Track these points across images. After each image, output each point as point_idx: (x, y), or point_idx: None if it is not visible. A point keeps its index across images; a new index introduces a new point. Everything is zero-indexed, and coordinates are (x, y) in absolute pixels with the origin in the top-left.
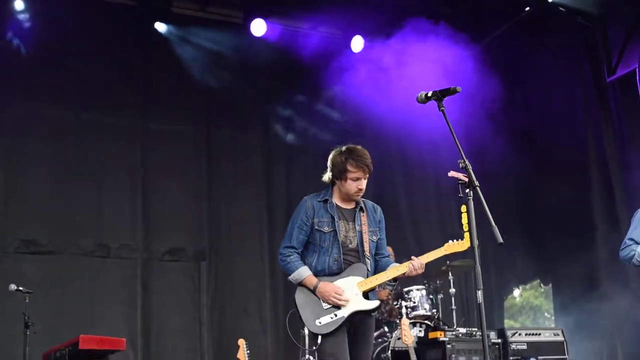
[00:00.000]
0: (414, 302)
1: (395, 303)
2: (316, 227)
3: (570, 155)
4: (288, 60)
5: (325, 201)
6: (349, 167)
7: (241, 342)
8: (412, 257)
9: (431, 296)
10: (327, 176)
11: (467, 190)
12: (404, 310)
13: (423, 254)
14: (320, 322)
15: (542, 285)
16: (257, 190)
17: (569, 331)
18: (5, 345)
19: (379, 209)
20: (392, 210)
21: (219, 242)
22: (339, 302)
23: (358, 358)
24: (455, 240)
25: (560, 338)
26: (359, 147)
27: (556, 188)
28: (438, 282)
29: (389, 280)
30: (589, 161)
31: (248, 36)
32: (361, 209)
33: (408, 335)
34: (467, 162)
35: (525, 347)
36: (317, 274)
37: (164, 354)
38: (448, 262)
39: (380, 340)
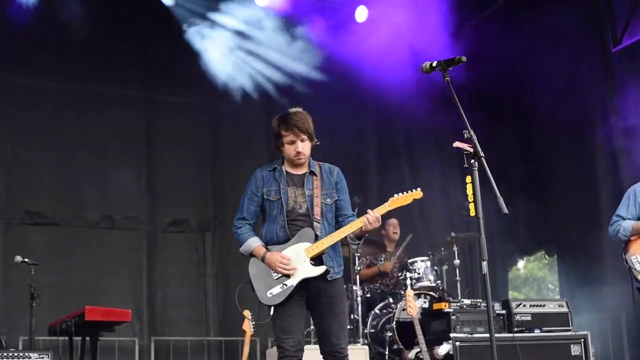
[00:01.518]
0: (419, 274)
1: (399, 274)
2: (265, 197)
3: (575, 127)
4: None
5: (274, 170)
6: (282, 132)
7: (246, 313)
8: (368, 210)
9: (436, 267)
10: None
11: (472, 161)
12: (408, 282)
13: (427, 226)
14: (271, 293)
15: (546, 256)
16: (261, 160)
17: (573, 303)
18: (12, 316)
19: (335, 169)
20: (395, 181)
21: (223, 213)
22: (285, 271)
23: (324, 330)
24: (402, 193)
25: (564, 309)
26: (294, 109)
27: (561, 160)
28: (442, 253)
29: (352, 239)
30: (594, 133)
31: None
32: (312, 173)
33: (413, 306)
34: (472, 132)
35: (529, 318)
36: (267, 243)
37: (169, 325)
38: (453, 233)
39: (385, 311)
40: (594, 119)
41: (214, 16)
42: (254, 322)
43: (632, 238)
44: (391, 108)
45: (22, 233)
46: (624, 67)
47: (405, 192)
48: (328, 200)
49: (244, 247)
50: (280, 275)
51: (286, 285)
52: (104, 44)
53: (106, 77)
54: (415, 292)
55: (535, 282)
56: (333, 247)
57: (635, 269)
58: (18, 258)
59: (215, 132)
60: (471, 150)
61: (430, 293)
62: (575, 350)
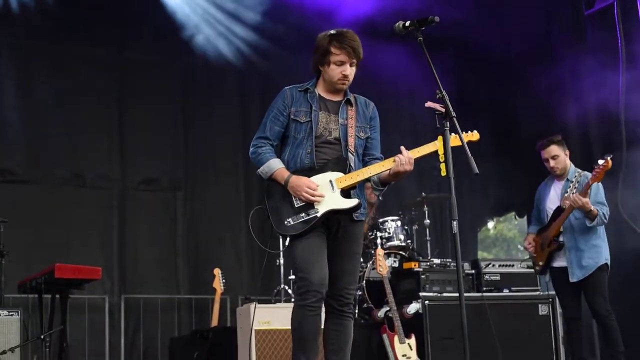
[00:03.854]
0: (389, 233)
1: (370, 234)
2: (292, 117)
3: (546, 89)
4: None
5: (306, 90)
6: (332, 49)
7: (217, 272)
8: (402, 147)
9: (406, 227)
10: (312, 64)
11: (444, 121)
12: (378, 241)
13: (398, 186)
14: (289, 222)
15: (517, 217)
16: (232, 120)
17: None
18: None
19: (371, 104)
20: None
21: (194, 172)
22: (312, 198)
23: (336, 271)
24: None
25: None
26: (348, 30)
27: (532, 121)
28: (413, 213)
29: (377, 185)
30: (564, 95)
31: None
32: (348, 102)
33: (383, 265)
34: (444, 92)
35: (498, 278)
36: (288, 169)
37: (140, 283)
38: (423, 194)
39: None
40: (565, 80)
41: None
42: (224, 280)
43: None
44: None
45: None
46: (596, 29)
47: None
48: (361, 134)
49: (265, 167)
50: (302, 203)
51: (308, 214)
52: (75, 0)
53: (77, 35)
54: (385, 252)
55: (505, 243)
56: (359, 187)
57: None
58: None
59: (187, 91)
60: (443, 110)
61: (400, 252)
62: (543, 309)
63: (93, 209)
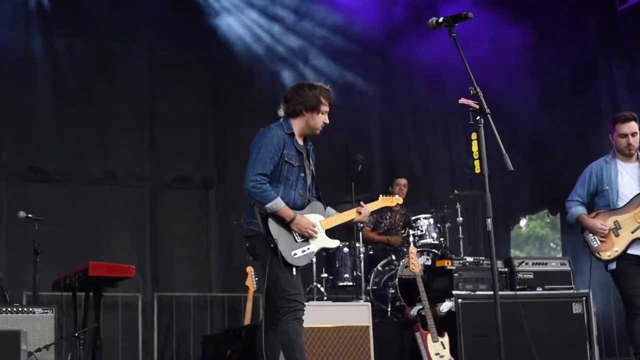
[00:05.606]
0: (422, 231)
1: (402, 232)
2: (285, 159)
3: (581, 86)
4: None
5: (292, 134)
6: (323, 100)
7: (249, 270)
8: (362, 202)
9: (439, 225)
10: (289, 108)
11: (478, 118)
12: (411, 239)
13: (431, 184)
14: (295, 254)
15: (549, 215)
16: (264, 117)
17: (575, 262)
18: (15, 272)
19: (313, 148)
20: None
21: (226, 170)
22: (315, 236)
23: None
24: (387, 196)
25: (567, 268)
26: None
27: (566, 119)
28: (445, 210)
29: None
30: (599, 91)
31: None
32: (310, 148)
33: (415, 263)
34: (478, 89)
35: (532, 276)
36: None
37: (173, 281)
38: (456, 191)
39: (387, 268)
40: (599, 76)
41: None
42: (256, 279)
43: (590, 215)
44: (394, 64)
45: (25, 189)
46: (630, 25)
47: (390, 196)
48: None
49: (272, 204)
50: (302, 239)
51: (308, 249)
52: (109, 3)
53: (110, 33)
54: (418, 250)
55: (537, 241)
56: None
57: (592, 247)
58: (22, 213)
59: (219, 89)
60: (477, 107)
61: (433, 250)
62: (577, 308)
63: (126, 207)
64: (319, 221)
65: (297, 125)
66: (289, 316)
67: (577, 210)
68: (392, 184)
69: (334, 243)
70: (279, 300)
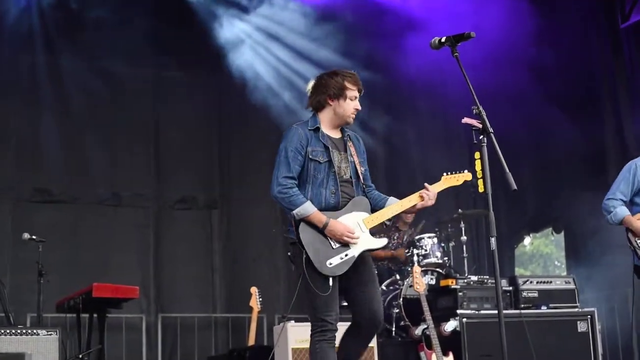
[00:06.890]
0: (426, 250)
1: (406, 251)
2: (310, 157)
3: (583, 104)
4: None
5: (317, 129)
6: (348, 85)
7: (254, 290)
8: (425, 184)
9: (442, 244)
10: (313, 102)
11: (481, 137)
12: (415, 258)
13: (435, 203)
14: (331, 263)
15: (554, 233)
16: (269, 139)
17: (580, 280)
18: (19, 293)
19: (360, 138)
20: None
21: (230, 190)
22: (352, 242)
23: (365, 298)
24: (451, 174)
25: (571, 286)
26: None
27: (569, 136)
28: (449, 230)
29: (386, 220)
30: (602, 109)
31: None
32: (348, 138)
33: (420, 282)
34: (481, 108)
35: (536, 294)
36: None
37: (177, 302)
38: (460, 210)
39: (391, 287)
40: (602, 95)
41: None
42: (260, 299)
43: (635, 216)
44: (403, 84)
45: (30, 210)
46: (632, 42)
47: (456, 172)
48: (362, 168)
49: (300, 210)
50: (339, 245)
51: (347, 255)
52: (112, 20)
53: (114, 54)
54: (422, 269)
55: (541, 259)
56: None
57: None
58: (26, 235)
59: (223, 110)
60: (480, 126)
61: (437, 270)
62: (582, 326)
63: (130, 228)
64: (361, 220)
65: (325, 117)
66: (316, 336)
67: (623, 211)
68: None
69: (379, 243)
70: (309, 316)
